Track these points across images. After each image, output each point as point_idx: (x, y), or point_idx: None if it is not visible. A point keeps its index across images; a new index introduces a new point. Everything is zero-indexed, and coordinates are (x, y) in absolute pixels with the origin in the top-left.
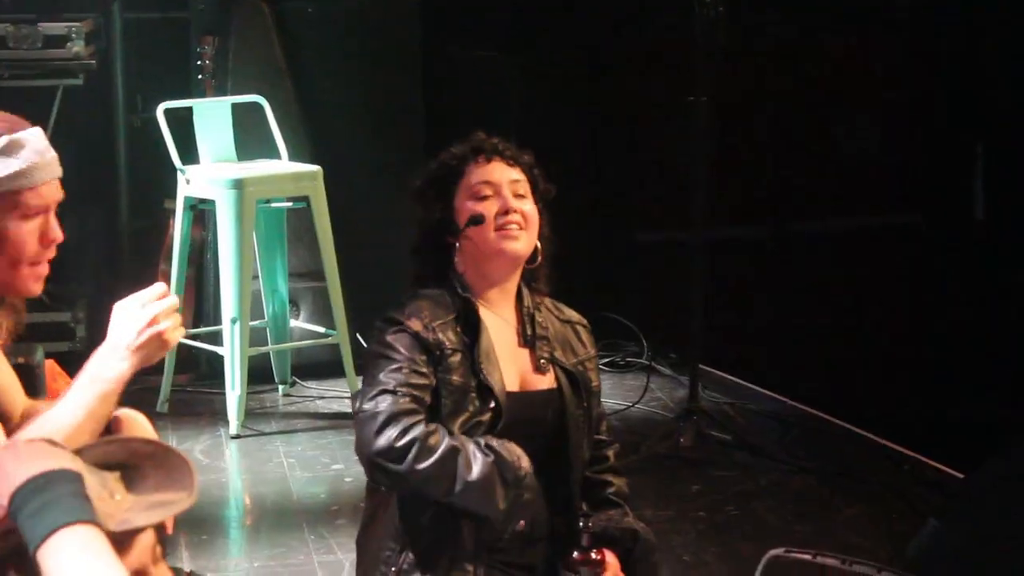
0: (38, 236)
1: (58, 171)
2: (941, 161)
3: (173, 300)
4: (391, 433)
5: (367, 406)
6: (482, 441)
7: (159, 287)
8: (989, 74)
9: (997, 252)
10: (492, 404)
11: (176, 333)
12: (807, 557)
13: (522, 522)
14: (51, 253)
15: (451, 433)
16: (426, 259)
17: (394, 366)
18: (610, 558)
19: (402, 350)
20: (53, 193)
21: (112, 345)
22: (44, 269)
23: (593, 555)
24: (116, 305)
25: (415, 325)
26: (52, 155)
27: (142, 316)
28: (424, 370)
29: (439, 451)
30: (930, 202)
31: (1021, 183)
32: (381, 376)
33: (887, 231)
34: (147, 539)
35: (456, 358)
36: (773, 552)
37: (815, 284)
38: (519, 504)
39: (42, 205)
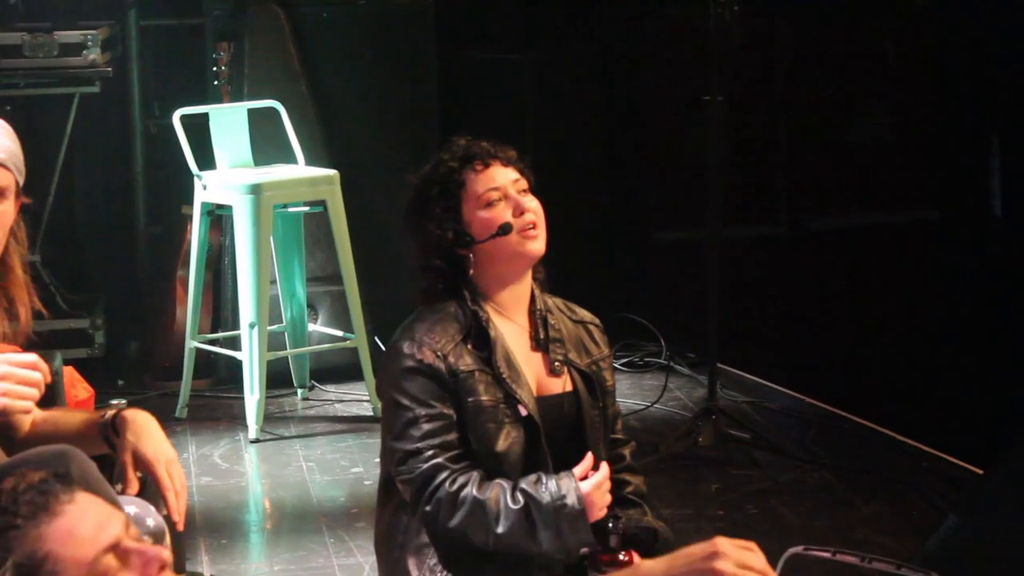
0: None
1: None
2: (958, 157)
3: (30, 373)
4: (423, 500)
5: (400, 476)
6: (511, 487)
7: (30, 356)
8: (1006, 68)
9: (1014, 248)
10: (524, 413)
11: (17, 403)
12: (826, 555)
13: (585, 548)
14: None
15: (490, 476)
16: (439, 275)
17: (411, 416)
18: (637, 559)
19: (418, 395)
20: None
21: None
22: None
23: (622, 556)
24: None
25: (428, 357)
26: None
27: None
28: (444, 410)
29: (464, 508)
30: (947, 198)
31: None
32: (404, 431)
33: (904, 227)
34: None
35: (476, 378)
36: (792, 550)
37: (832, 281)
38: (572, 539)
39: None
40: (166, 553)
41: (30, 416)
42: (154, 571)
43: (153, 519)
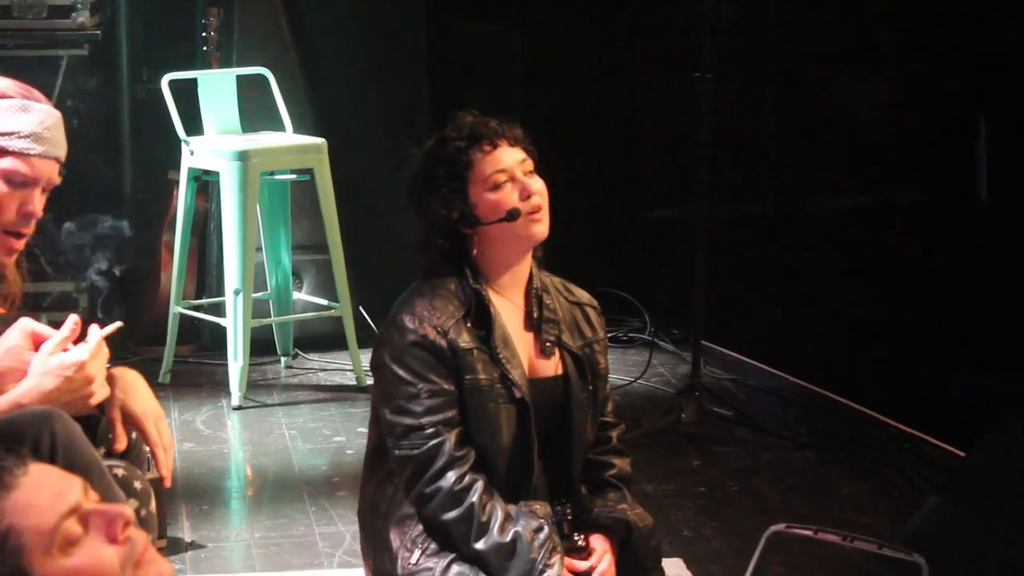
0: (18, 205)
1: (58, 153)
2: (945, 139)
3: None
4: (423, 481)
5: (400, 451)
6: (505, 517)
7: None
8: (996, 51)
9: (999, 232)
10: (519, 395)
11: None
12: (808, 533)
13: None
14: (28, 229)
15: (481, 454)
16: (441, 253)
17: (412, 390)
18: (597, 543)
19: (419, 369)
20: (47, 171)
21: (36, 395)
22: (17, 244)
23: (578, 542)
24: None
25: (429, 332)
26: (58, 137)
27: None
28: (445, 386)
29: (460, 509)
30: (933, 181)
31: None
32: (404, 405)
33: (889, 209)
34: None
35: (474, 356)
36: (774, 527)
37: (817, 261)
38: (540, 572)
39: (31, 176)
40: (128, 511)
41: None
42: (118, 529)
43: (139, 482)
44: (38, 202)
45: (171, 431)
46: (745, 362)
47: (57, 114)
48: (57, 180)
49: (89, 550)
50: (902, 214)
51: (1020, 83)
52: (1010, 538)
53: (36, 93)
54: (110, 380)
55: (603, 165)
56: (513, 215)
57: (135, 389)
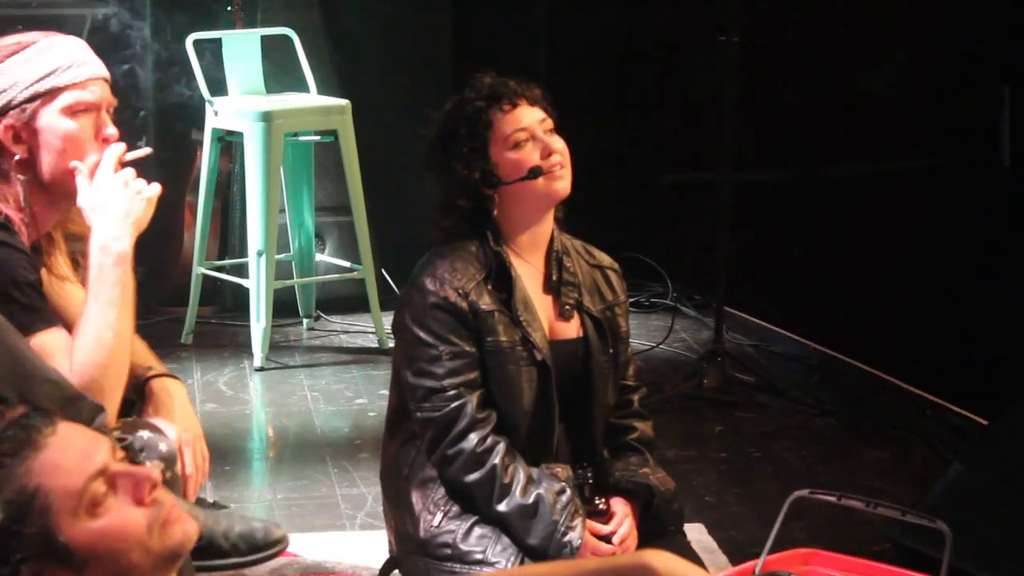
0: (93, 133)
1: (103, 72)
2: (968, 106)
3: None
4: (445, 443)
5: (422, 413)
6: (527, 479)
7: (118, 147)
8: (1019, 17)
9: (1022, 198)
10: (540, 357)
11: (152, 188)
12: (832, 499)
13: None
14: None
15: (502, 417)
16: (462, 214)
17: (434, 352)
18: (618, 506)
19: (441, 332)
20: (102, 91)
21: (113, 220)
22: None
23: (599, 505)
24: (92, 183)
25: (450, 294)
26: (92, 58)
27: (117, 183)
28: (466, 348)
29: (482, 471)
30: (956, 147)
31: None
32: (426, 367)
33: (912, 175)
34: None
35: (495, 318)
36: (798, 493)
37: (840, 228)
38: (561, 534)
39: (90, 103)
40: (156, 473)
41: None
42: (145, 492)
43: (166, 444)
44: (108, 122)
45: (207, 452)
46: (768, 328)
47: (80, 40)
48: (113, 100)
49: (116, 511)
50: (926, 181)
51: None
52: None
53: (51, 32)
54: (151, 394)
55: (627, 129)
56: (535, 172)
57: (180, 406)
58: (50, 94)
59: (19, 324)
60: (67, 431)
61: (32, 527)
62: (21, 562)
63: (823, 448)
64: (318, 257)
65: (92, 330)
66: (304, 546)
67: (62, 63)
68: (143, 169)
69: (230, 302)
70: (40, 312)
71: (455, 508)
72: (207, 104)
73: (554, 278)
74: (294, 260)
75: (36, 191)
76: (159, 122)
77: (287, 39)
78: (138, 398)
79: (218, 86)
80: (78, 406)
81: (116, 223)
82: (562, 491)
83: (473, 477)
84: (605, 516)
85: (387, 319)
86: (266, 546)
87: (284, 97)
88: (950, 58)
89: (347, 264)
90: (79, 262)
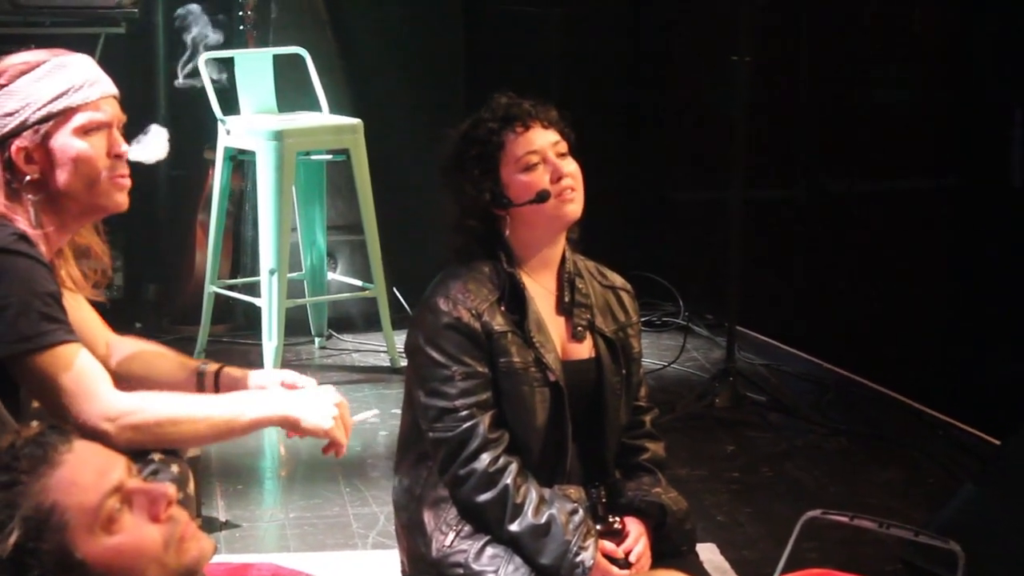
0: (105, 151)
1: (112, 89)
2: (980, 126)
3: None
4: (457, 463)
5: (434, 433)
6: (539, 500)
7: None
8: None
9: None
10: (553, 379)
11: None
12: (844, 519)
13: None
14: (125, 169)
15: (515, 438)
16: (473, 235)
17: (446, 373)
18: (631, 526)
19: (454, 352)
20: (112, 109)
21: (315, 406)
22: (125, 181)
23: (613, 524)
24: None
25: (463, 314)
26: (103, 76)
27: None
28: (479, 368)
29: (494, 491)
30: (968, 167)
31: None
32: (439, 387)
33: (924, 194)
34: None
35: (508, 339)
36: (810, 513)
37: (851, 246)
38: (574, 554)
39: (101, 121)
40: (171, 490)
41: (103, 339)
42: (161, 509)
43: (176, 465)
44: (119, 139)
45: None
46: (779, 347)
47: (89, 58)
48: (123, 116)
49: (132, 528)
50: (937, 199)
51: None
52: None
53: (58, 50)
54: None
55: (638, 147)
56: (543, 197)
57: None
58: (63, 115)
59: (40, 334)
60: (83, 449)
61: (48, 544)
62: None
63: (835, 468)
64: (330, 276)
65: (181, 408)
66: (316, 566)
67: (75, 83)
68: (155, 185)
69: (242, 321)
70: (62, 324)
71: (467, 528)
72: (219, 123)
73: (567, 299)
74: (306, 279)
75: (48, 210)
76: (171, 141)
77: (299, 58)
78: (211, 387)
79: (230, 105)
80: None
81: (314, 408)
82: (574, 511)
83: (485, 497)
84: (619, 536)
85: (399, 338)
86: None
87: (296, 116)
88: (962, 78)
89: (359, 283)
90: (87, 275)
